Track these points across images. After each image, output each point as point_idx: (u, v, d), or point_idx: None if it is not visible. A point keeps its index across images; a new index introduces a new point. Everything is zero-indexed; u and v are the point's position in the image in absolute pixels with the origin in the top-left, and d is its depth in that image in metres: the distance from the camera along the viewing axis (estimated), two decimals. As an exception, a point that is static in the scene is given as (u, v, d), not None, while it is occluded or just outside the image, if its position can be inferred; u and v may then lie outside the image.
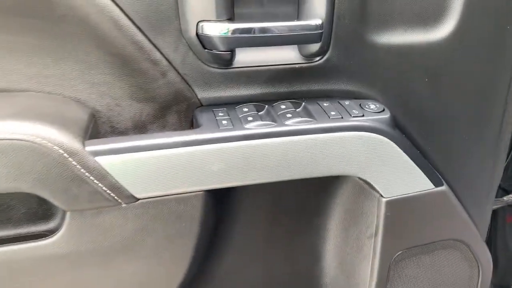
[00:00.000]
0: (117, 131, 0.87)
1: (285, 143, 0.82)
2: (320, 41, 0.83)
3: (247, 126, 0.81)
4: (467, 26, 0.91)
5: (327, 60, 0.89)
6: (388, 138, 0.88)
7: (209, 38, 0.79)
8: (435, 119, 0.99)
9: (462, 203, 1.05)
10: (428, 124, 1.00)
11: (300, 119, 0.84)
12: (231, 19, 0.82)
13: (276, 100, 0.90)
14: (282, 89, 0.90)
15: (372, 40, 0.89)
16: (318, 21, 0.82)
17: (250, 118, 0.83)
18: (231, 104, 0.88)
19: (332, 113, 0.87)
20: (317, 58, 0.89)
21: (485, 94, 0.99)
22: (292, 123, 0.83)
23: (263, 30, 0.79)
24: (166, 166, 0.77)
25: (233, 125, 0.81)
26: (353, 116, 0.86)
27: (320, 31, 0.82)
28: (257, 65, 0.87)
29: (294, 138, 0.82)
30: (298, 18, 0.88)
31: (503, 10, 0.92)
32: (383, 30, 0.90)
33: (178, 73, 0.83)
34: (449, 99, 0.98)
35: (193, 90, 0.86)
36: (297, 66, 0.89)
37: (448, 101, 0.98)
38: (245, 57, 0.87)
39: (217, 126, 0.81)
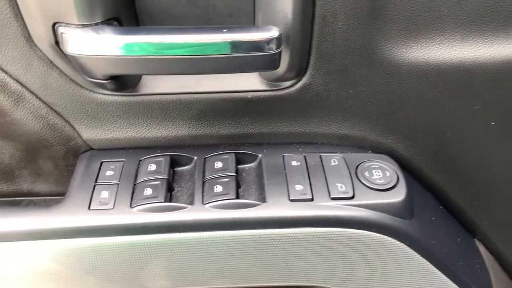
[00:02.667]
0: None
1: (197, 241, 0.48)
2: (275, 67, 0.45)
3: (138, 207, 0.48)
4: None
5: (304, 87, 0.51)
6: (400, 241, 0.50)
7: (71, 56, 0.44)
8: (496, 183, 0.59)
9: None
10: (484, 190, 0.60)
11: (231, 200, 0.48)
12: (117, 19, 0.45)
13: (217, 147, 0.55)
14: (227, 130, 0.54)
15: (396, 55, 0.49)
16: (271, 33, 0.43)
17: (148, 192, 0.49)
18: (141, 148, 0.54)
19: (298, 187, 0.50)
20: (287, 84, 0.51)
21: None
22: (217, 206, 0.48)
23: (165, 46, 0.42)
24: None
25: (115, 203, 0.48)
26: (334, 198, 0.49)
27: (275, 50, 0.43)
28: (180, 91, 0.51)
29: (214, 234, 0.48)
30: (254, 21, 0.49)
31: None
32: (419, 38, 0.49)
33: (41, 101, 0.50)
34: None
35: (73, 127, 0.53)
36: (250, 95, 0.52)
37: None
38: (161, 78, 0.52)
39: (87, 203, 0.48)
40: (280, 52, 0.43)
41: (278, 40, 0.43)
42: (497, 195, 0.60)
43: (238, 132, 0.54)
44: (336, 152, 0.54)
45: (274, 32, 0.43)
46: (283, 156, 0.53)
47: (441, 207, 0.61)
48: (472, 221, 0.63)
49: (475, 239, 0.66)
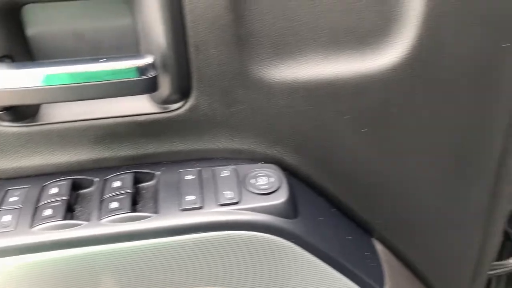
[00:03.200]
0: None
1: (95, 255, 0.52)
2: (154, 90, 0.51)
3: (37, 227, 0.51)
4: (431, 50, 0.56)
5: (192, 108, 0.57)
6: (286, 239, 0.56)
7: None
8: (379, 184, 0.66)
9: None
10: (370, 191, 0.66)
11: (125, 214, 0.52)
12: (9, 56, 0.50)
13: (118, 168, 0.59)
14: (125, 152, 0.59)
15: (267, 75, 0.56)
16: (145, 61, 0.49)
17: (48, 212, 0.52)
18: (47, 175, 0.58)
19: (189, 198, 0.55)
20: (175, 106, 0.57)
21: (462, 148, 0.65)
22: (111, 221, 0.52)
23: (51, 76, 0.47)
24: None
25: (16, 224, 0.52)
26: (222, 204, 0.54)
27: (150, 75, 0.49)
28: (77, 119, 0.56)
29: (111, 247, 0.52)
30: (137, 46, 0.55)
31: (492, 18, 0.56)
32: (285, 59, 0.56)
33: None
34: (404, 154, 0.64)
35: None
36: (143, 118, 0.57)
37: (403, 158, 0.64)
38: (59, 107, 0.57)
39: (-9, 227, 0.51)
40: (155, 77, 0.49)
41: (152, 66, 0.49)
42: (383, 195, 0.67)
43: (136, 154, 0.59)
44: (229, 165, 0.60)
45: (148, 60, 0.49)
46: (179, 172, 0.58)
47: (334, 209, 0.67)
48: (366, 221, 0.69)
49: (374, 238, 0.72)
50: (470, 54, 0.57)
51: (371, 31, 0.56)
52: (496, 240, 0.78)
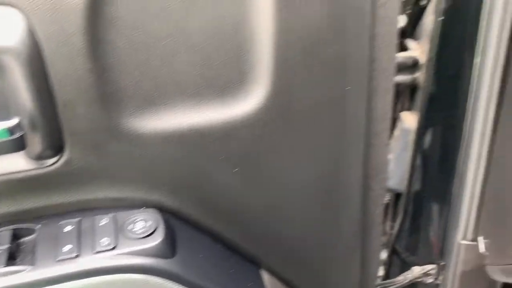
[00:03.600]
0: None
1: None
2: (22, 148, 0.54)
3: None
4: (285, 93, 0.64)
5: (67, 162, 0.60)
6: (164, 278, 0.59)
7: None
8: (258, 217, 0.72)
9: None
10: (250, 225, 0.72)
11: (0, 269, 0.54)
12: None
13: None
14: (4, 209, 0.61)
15: (139, 127, 0.61)
16: (9, 122, 0.52)
17: None
18: None
19: (66, 248, 0.57)
20: (50, 161, 0.60)
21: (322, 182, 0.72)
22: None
23: None
24: None
25: None
26: (98, 252, 0.57)
27: (15, 136, 0.53)
28: None
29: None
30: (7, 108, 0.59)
31: (337, 64, 0.65)
32: (154, 111, 0.61)
33: None
34: (276, 188, 0.71)
35: None
36: (20, 175, 0.59)
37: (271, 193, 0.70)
38: None
39: None
40: (21, 137, 0.53)
41: (18, 126, 0.52)
42: (263, 227, 0.73)
43: (15, 210, 0.61)
44: (109, 213, 0.63)
45: (13, 121, 0.52)
46: (59, 224, 0.61)
47: (220, 245, 0.72)
48: (252, 253, 0.75)
49: (262, 269, 0.78)
50: (318, 95, 0.65)
51: (229, 83, 0.63)
52: (375, 258, 0.86)
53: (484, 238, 0.88)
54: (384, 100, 0.71)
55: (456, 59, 0.85)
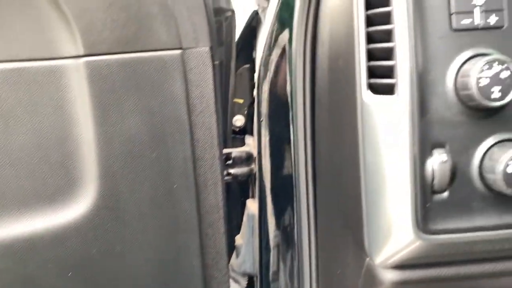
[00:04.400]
0: None
1: None
2: None
3: None
4: (113, 196, 0.69)
5: None
6: None
7: None
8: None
9: None
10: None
11: None
12: None
13: None
14: None
15: None
16: None
17: None
18: None
19: None
20: None
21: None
22: None
23: None
24: None
25: None
26: None
27: None
28: None
29: None
30: None
31: (161, 166, 0.72)
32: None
33: None
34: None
35: None
36: None
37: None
38: None
39: None
40: None
41: None
42: None
43: None
44: None
45: None
46: None
47: None
48: None
49: None
50: (145, 194, 0.71)
51: (58, 191, 0.66)
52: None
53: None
54: (215, 193, 0.80)
55: (277, 151, 0.98)
